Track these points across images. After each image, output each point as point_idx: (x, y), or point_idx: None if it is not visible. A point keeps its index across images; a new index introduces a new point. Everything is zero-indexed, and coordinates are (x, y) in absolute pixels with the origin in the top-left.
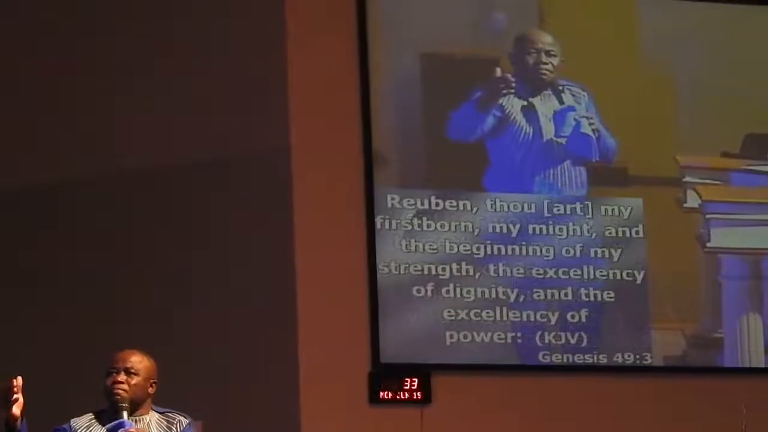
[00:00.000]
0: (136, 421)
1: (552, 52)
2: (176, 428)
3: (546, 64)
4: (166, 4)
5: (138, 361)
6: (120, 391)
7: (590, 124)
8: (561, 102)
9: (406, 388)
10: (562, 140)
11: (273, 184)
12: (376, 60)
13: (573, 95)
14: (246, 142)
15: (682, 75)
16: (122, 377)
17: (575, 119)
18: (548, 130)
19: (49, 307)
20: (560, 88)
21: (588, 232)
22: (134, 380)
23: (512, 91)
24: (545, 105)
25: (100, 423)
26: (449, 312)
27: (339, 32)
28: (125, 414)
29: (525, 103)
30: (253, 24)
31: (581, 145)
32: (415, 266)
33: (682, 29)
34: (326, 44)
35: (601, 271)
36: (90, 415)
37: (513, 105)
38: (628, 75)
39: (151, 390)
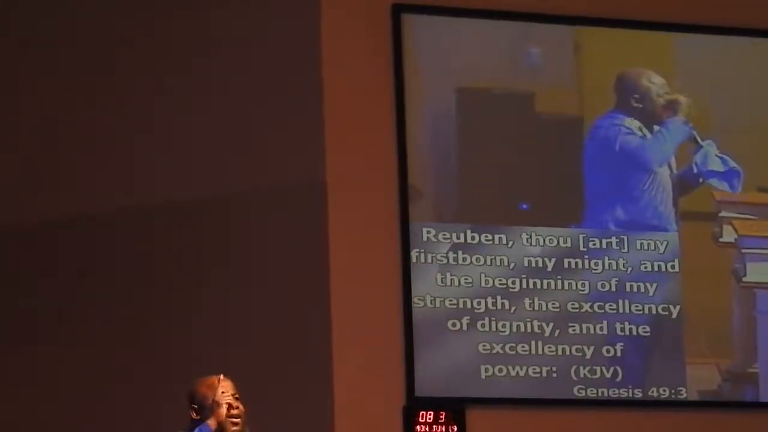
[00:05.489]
0: None
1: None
2: None
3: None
4: (198, 36)
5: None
6: (241, 420)
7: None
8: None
9: (441, 422)
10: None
11: (308, 218)
12: (411, 94)
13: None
14: (281, 175)
15: (716, 109)
16: (240, 405)
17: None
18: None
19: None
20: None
21: (623, 266)
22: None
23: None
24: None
25: None
26: (484, 346)
27: (375, 66)
28: None
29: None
30: (288, 57)
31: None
32: (451, 300)
33: (717, 63)
34: (362, 78)
35: (636, 306)
36: None
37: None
38: None
39: None
